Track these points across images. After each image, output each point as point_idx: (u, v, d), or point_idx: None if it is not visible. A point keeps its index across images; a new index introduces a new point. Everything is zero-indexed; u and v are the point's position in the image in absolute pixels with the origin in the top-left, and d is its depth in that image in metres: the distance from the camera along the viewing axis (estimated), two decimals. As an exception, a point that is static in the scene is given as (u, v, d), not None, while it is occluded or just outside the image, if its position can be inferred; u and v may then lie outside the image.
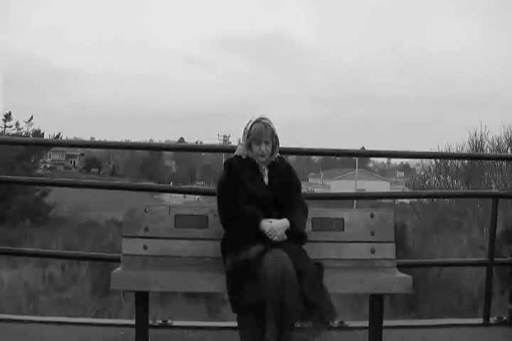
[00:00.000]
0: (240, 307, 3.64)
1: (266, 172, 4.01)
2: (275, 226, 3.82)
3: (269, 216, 3.87)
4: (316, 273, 3.72)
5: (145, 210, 4.24)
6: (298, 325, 3.57)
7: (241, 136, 3.99)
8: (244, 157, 3.97)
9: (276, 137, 3.96)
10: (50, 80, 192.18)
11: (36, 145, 28.09)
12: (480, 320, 5.09)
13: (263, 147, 3.90)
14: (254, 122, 3.92)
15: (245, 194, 3.86)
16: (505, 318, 5.03)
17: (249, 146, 3.94)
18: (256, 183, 3.93)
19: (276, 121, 4.00)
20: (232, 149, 4.20)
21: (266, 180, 3.99)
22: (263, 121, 3.93)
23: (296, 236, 3.90)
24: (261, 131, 3.90)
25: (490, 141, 23.64)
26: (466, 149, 23.36)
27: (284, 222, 3.88)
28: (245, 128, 3.95)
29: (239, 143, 4.06)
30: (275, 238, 3.77)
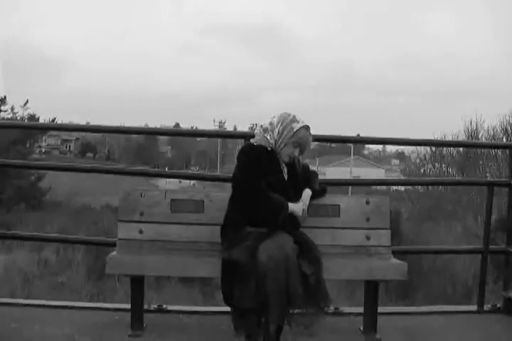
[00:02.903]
0: (231, 305, 3.68)
1: (285, 168, 3.99)
2: (305, 201, 3.96)
3: None
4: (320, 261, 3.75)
5: (141, 195, 4.24)
6: (295, 311, 3.59)
7: (277, 130, 3.87)
8: (268, 148, 3.91)
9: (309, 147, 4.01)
10: (41, 66, 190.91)
11: (32, 129, 28.03)
12: (474, 307, 5.10)
13: (297, 152, 3.91)
14: (303, 127, 3.89)
15: (265, 183, 3.84)
16: (499, 306, 5.04)
17: (283, 144, 3.90)
18: (276, 175, 3.91)
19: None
20: (229, 134, 4.17)
21: (285, 175, 3.98)
22: (309, 130, 3.94)
23: (320, 193, 4.16)
24: (308, 140, 3.92)
25: (485, 129, 23.72)
26: (462, 138, 23.40)
27: (308, 193, 4.01)
28: (287, 126, 3.87)
29: (260, 132, 3.98)
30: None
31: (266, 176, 3.83)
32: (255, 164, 3.83)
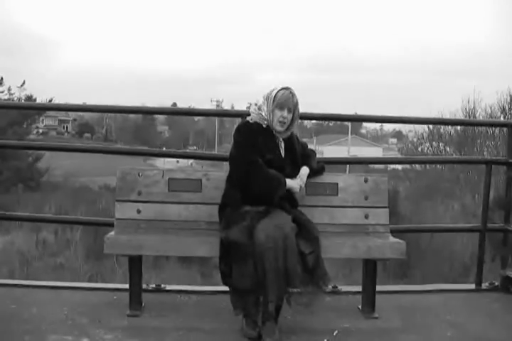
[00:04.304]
0: (229, 285, 3.68)
1: (282, 145, 3.99)
2: (302, 178, 4.01)
3: None
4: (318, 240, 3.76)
5: (138, 174, 4.23)
6: (294, 290, 3.60)
7: (262, 102, 3.93)
8: (264, 126, 3.92)
9: (298, 110, 3.95)
10: (36, 46, 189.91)
11: (29, 109, 27.90)
12: (472, 286, 5.12)
13: (285, 113, 3.87)
14: (281, 89, 3.90)
15: (262, 160, 3.84)
16: (497, 284, 5.06)
17: (272, 113, 3.90)
18: (273, 152, 3.91)
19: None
20: (226, 113, 4.16)
21: (282, 152, 3.98)
22: (290, 90, 3.91)
23: (318, 171, 4.20)
24: (288, 98, 3.87)
25: (483, 108, 23.67)
26: (459, 116, 23.36)
27: (306, 171, 4.05)
28: (269, 95, 3.90)
29: (255, 110, 3.97)
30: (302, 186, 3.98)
31: (262, 153, 3.84)
32: (251, 141, 3.85)
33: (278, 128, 3.90)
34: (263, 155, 3.84)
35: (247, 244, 3.57)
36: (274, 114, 3.87)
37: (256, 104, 3.99)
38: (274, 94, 3.88)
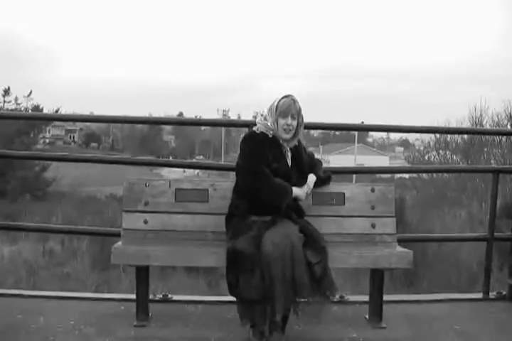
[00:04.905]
0: (236, 296, 3.68)
1: (289, 154, 4.00)
2: (309, 185, 4.03)
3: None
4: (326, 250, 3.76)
5: (145, 184, 4.23)
6: (301, 300, 3.59)
7: (266, 113, 3.97)
8: (270, 136, 3.93)
9: (302, 116, 3.96)
10: (38, 57, 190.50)
11: (36, 119, 27.99)
12: (480, 295, 5.10)
13: (289, 120, 3.88)
14: (283, 97, 3.93)
15: (268, 169, 3.85)
16: (504, 293, 5.04)
17: (276, 122, 3.92)
18: (279, 161, 3.92)
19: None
20: (232, 123, 4.18)
21: (289, 162, 3.98)
22: (291, 97, 3.94)
23: (325, 180, 4.20)
24: (290, 105, 3.89)
25: (490, 116, 23.63)
26: (466, 125, 23.34)
27: (313, 178, 4.07)
28: (272, 105, 3.94)
29: (261, 120, 4.00)
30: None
31: (269, 162, 3.85)
32: (257, 151, 3.87)
33: (284, 136, 3.91)
34: (269, 165, 3.85)
35: (253, 254, 3.57)
36: (279, 123, 3.89)
37: (262, 114, 4.02)
38: (276, 103, 3.92)
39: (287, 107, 3.89)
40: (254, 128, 4.00)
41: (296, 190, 3.90)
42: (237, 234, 3.74)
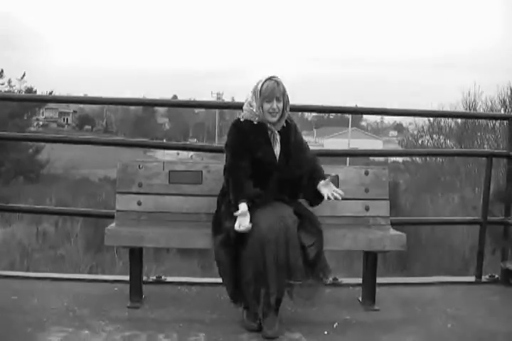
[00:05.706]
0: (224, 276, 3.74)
1: (278, 138, 3.92)
2: (331, 187, 3.84)
3: (266, 182, 3.84)
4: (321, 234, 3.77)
5: (139, 166, 4.23)
6: (295, 282, 3.60)
7: (250, 97, 3.87)
8: (255, 122, 3.87)
9: (287, 96, 3.87)
10: (35, 41, 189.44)
11: (29, 101, 27.84)
12: (472, 278, 5.12)
13: (274, 104, 3.80)
14: (266, 80, 3.83)
15: (252, 159, 3.81)
16: (497, 276, 5.06)
17: (261, 107, 3.86)
18: (264, 149, 3.86)
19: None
20: (226, 105, 4.12)
21: (278, 147, 3.91)
22: (274, 78, 3.84)
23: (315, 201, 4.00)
24: (274, 88, 3.80)
25: (483, 101, 23.64)
26: (460, 109, 23.34)
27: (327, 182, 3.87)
28: (255, 88, 3.84)
29: (247, 106, 3.92)
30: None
31: (252, 152, 3.82)
32: (238, 143, 3.85)
33: (270, 119, 3.83)
34: (253, 154, 3.82)
35: (236, 244, 3.63)
36: (264, 108, 3.81)
37: (246, 100, 3.92)
38: (259, 87, 3.82)
39: (271, 91, 3.79)
40: (240, 116, 3.94)
41: (242, 207, 3.69)
42: (232, 214, 3.70)
